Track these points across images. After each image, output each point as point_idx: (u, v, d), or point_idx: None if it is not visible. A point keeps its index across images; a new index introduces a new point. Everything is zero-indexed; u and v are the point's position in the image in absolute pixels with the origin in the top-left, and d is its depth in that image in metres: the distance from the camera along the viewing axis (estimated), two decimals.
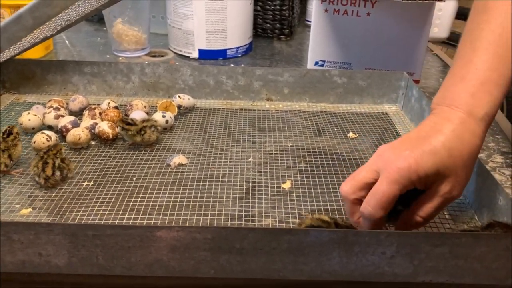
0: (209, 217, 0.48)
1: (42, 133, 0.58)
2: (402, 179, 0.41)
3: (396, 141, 0.44)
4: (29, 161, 0.55)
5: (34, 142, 0.58)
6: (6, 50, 0.57)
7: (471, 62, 0.44)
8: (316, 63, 0.86)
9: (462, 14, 1.61)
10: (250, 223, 0.47)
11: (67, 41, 1.07)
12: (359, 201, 0.43)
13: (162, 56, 0.99)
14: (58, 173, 0.52)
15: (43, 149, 0.54)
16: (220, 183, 0.53)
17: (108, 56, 0.98)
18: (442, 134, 0.42)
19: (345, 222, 0.44)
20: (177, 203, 0.49)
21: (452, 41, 1.62)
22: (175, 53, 0.99)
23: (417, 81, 0.83)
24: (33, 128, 0.62)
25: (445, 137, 0.41)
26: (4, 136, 0.55)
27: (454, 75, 0.45)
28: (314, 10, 0.82)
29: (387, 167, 0.41)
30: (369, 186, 0.42)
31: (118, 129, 0.60)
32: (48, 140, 0.58)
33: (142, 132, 0.59)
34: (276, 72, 0.75)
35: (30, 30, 0.51)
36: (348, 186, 0.43)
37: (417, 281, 0.41)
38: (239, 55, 0.99)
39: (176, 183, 0.53)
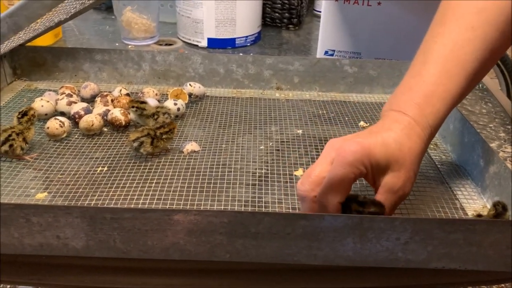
0: (222, 202, 0.48)
1: (56, 119, 0.59)
2: (355, 161, 0.41)
3: (347, 135, 0.44)
4: (53, 146, 0.56)
5: (48, 127, 0.58)
6: (22, 33, 0.58)
7: (420, 74, 0.45)
8: (326, 53, 0.86)
9: None
10: (263, 209, 0.47)
11: (75, 29, 1.07)
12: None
13: (171, 44, 0.99)
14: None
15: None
16: (232, 170, 0.54)
17: (117, 44, 0.98)
18: (392, 131, 0.43)
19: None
20: (191, 189, 0.50)
21: None
22: (183, 41, 0.99)
23: None
24: (46, 114, 0.63)
25: (395, 133, 0.42)
26: (19, 116, 0.55)
27: (404, 84, 0.47)
28: None
29: (340, 153, 0.41)
30: None
31: (130, 113, 0.61)
32: (61, 126, 0.58)
33: (155, 116, 0.59)
34: (287, 61, 0.75)
35: (49, 8, 0.51)
36: (306, 185, 0.42)
37: (430, 267, 0.41)
38: (248, 44, 0.99)
39: (190, 170, 0.53)
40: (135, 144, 0.54)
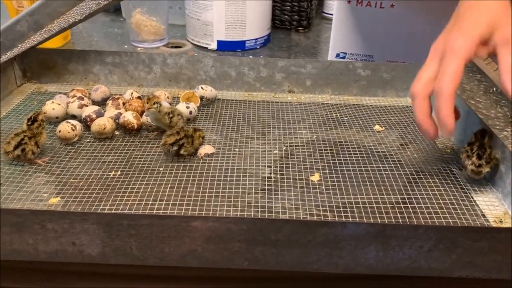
0: (238, 208, 0.47)
1: (67, 122, 0.58)
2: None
3: (444, 32, 0.51)
4: (62, 148, 0.55)
5: (60, 131, 0.57)
6: (38, 33, 0.57)
7: None
8: (338, 55, 0.85)
9: None
10: (280, 215, 0.46)
11: (83, 31, 1.07)
12: (428, 98, 0.48)
13: (180, 47, 0.98)
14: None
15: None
16: (247, 174, 0.53)
17: (126, 46, 0.97)
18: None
19: None
20: (206, 194, 0.49)
21: None
22: (193, 44, 0.99)
23: None
24: (57, 117, 0.62)
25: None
26: (29, 123, 0.55)
27: None
28: (336, 1, 0.81)
29: (448, 43, 0.47)
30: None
31: (148, 114, 0.59)
32: (73, 129, 0.57)
33: (171, 115, 0.58)
34: (299, 64, 0.74)
35: (71, 6, 0.51)
36: (420, 85, 0.48)
37: (453, 275, 0.40)
38: (258, 47, 0.98)
39: (204, 174, 0.52)
40: (175, 148, 0.54)
